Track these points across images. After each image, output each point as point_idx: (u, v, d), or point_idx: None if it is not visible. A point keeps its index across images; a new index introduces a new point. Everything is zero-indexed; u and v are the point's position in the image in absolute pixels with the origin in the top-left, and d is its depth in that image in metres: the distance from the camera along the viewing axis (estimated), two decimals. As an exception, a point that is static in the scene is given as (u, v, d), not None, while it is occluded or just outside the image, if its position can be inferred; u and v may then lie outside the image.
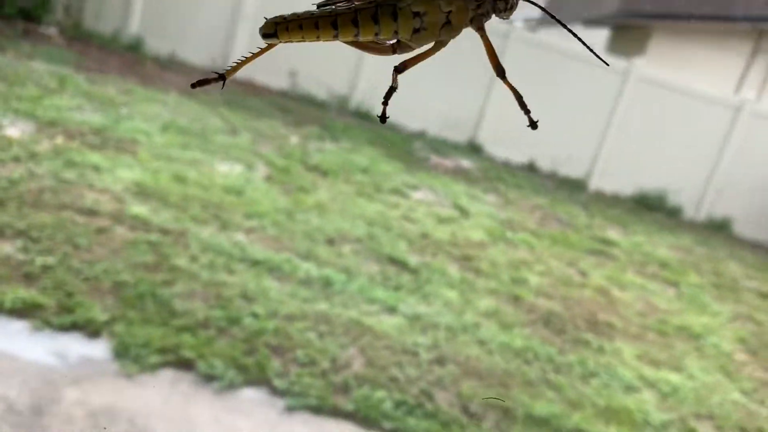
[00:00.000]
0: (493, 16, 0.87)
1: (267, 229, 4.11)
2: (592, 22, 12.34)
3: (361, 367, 3.01)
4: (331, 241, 4.26)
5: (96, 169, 4.24)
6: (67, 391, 2.44)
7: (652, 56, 10.07)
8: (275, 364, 2.87)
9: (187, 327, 2.94)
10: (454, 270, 4.35)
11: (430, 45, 0.86)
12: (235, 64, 0.91)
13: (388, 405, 2.80)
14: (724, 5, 10.40)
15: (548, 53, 8.34)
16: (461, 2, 0.82)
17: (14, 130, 4.53)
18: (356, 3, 0.82)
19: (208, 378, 2.69)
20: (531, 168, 8.30)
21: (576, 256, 5.45)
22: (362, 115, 8.26)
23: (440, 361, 3.24)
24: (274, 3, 8.14)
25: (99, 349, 2.70)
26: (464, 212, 5.63)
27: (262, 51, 0.91)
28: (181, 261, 3.42)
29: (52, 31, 7.46)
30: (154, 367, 2.66)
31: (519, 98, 0.87)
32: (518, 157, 8.29)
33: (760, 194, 8.46)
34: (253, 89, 8.25)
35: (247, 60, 0.91)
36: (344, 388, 2.84)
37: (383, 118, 0.97)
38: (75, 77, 6.16)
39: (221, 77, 0.90)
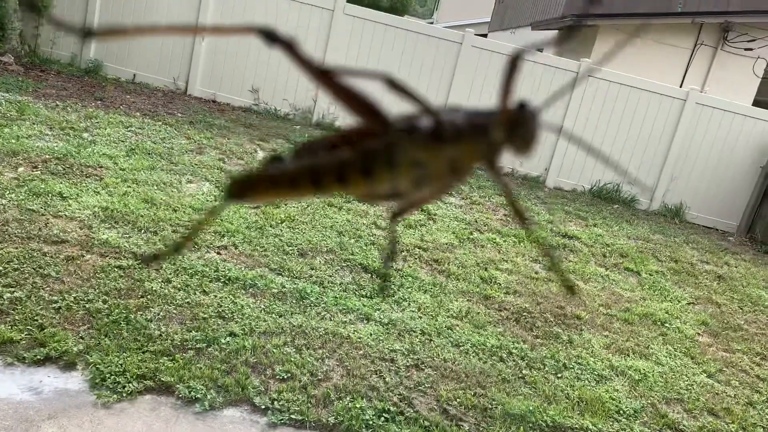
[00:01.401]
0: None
1: (239, 246, 4.13)
2: (540, 25, 12.62)
3: (341, 378, 3.05)
4: (303, 254, 4.29)
5: (61, 196, 4.20)
6: (44, 427, 2.39)
7: (599, 55, 10.35)
8: (255, 381, 2.87)
9: (164, 351, 2.92)
10: (424, 274, 4.43)
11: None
12: (186, 234, 0.75)
13: (369, 414, 2.84)
14: (664, 2, 10.74)
15: (500, 57, 8.50)
16: (470, 145, 0.66)
17: (-27, 163, 4.45)
18: (341, 151, 0.67)
19: (189, 401, 2.68)
20: (491, 169, 8.43)
21: (540, 251, 5.58)
22: (326, 126, 8.30)
23: (417, 366, 3.31)
24: (229, 21, 8.14)
25: (75, 381, 2.65)
26: (431, 216, 5.73)
27: (213, 213, 0.74)
28: (155, 284, 3.42)
29: (7, 58, 7.33)
30: (133, 395, 2.64)
31: (554, 263, 0.70)
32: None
33: (708, 180, 8.76)
34: (217, 107, 8.23)
35: (198, 227, 0.75)
36: (325, 401, 2.87)
37: (387, 264, 0.79)
38: (34, 105, 6.07)
39: (177, 249, 0.72)
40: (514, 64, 0.65)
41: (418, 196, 0.71)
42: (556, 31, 12.15)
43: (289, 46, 0.64)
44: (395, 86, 0.65)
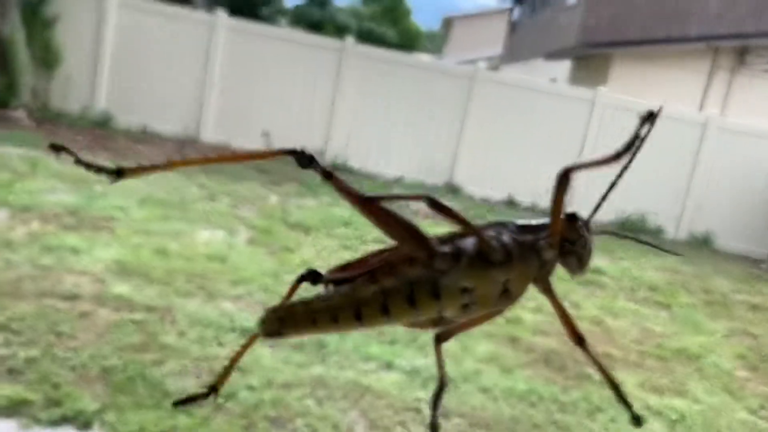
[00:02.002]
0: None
1: (254, 295, 4.05)
2: (554, 55, 12.61)
3: (364, 431, 2.93)
4: (320, 300, 4.19)
5: (74, 251, 4.16)
6: (63, 489, 2.33)
7: (614, 83, 10.29)
8: (276, 436, 2.78)
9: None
10: (447, 317, 4.30)
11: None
12: (222, 373, 0.76)
13: (396, 467, 2.71)
14: (678, 27, 10.71)
15: (514, 90, 8.47)
16: (522, 266, 0.64)
17: (-12, 220, 4.46)
18: (382, 279, 0.63)
19: (208, 459, 2.60)
20: (511, 203, 8.34)
21: (566, 288, 5.42)
22: (339, 168, 8.28)
23: (445, 415, 3.17)
24: (241, 67, 8.26)
25: (92, 440, 2.57)
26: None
27: (247, 347, 0.75)
28: (170, 338, 3.34)
29: (20, 114, 7.44)
30: (151, 453, 2.56)
31: (615, 387, 0.69)
32: (497, 194, 8.33)
33: (736, 206, 8.56)
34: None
35: (233, 361, 0.78)
36: (349, 454, 2.76)
37: (435, 426, 0.79)
38: (46, 159, 6.12)
39: (213, 389, 0.77)
40: (565, 178, 0.62)
41: (468, 320, 0.67)
42: (570, 61, 12.14)
43: (327, 173, 0.62)
44: (437, 205, 0.62)
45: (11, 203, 4.74)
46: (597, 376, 3.85)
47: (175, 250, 4.50)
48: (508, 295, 0.66)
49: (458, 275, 0.62)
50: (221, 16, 8.53)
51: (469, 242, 0.65)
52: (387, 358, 3.57)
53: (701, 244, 8.38)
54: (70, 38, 8.20)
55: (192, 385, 3.00)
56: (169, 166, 0.67)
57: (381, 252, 0.69)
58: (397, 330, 3.93)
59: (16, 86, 7.54)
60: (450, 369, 3.20)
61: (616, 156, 0.65)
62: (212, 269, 4.31)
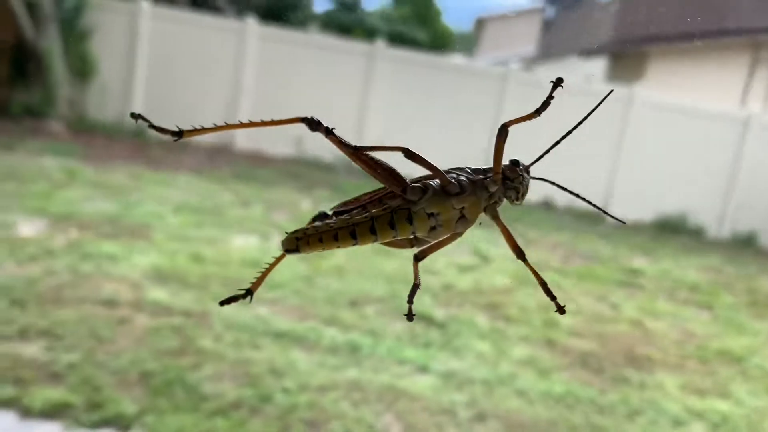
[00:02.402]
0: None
1: (288, 299, 4.07)
2: (589, 53, 12.44)
3: (400, 433, 2.91)
4: (353, 304, 4.20)
5: (112, 258, 4.24)
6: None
7: (651, 80, 10.11)
8: (312, 439, 2.78)
9: (218, 410, 2.87)
10: (482, 320, 4.26)
11: (448, 235, 0.87)
12: (257, 277, 0.93)
13: (432, 470, 2.69)
14: (717, 20, 10.47)
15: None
16: (473, 198, 0.84)
17: (29, 229, 4.57)
18: (371, 209, 0.85)
19: (245, 462, 2.62)
20: (547, 205, 8.24)
21: (605, 290, 5.34)
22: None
23: (480, 417, 3.14)
24: (272, 73, 8.34)
25: (132, 443, 2.63)
26: (485, 258, 5.56)
27: (278, 261, 0.92)
28: (206, 342, 3.38)
29: (57, 125, 7.63)
30: (189, 455, 2.60)
31: (543, 284, 0.89)
32: (533, 196, 8.20)
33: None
34: (262, 160, 8.34)
35: (268, 270, 0.93)
36: (385, 458, 2.75)
37: (410, 316, 0.98)
38: (83, 169, 6.26)
39: (248, 292, 0.93)
40: (504, 130, 0.86)
41: (436, 241, 0.88)
42: (605, 58, 11.96)
43: (328, 131, 0.84)
44: (412, 155, 0.83)
45: (50, 212, 4.85)
46: (636, 378, 3.78)
47: (211, 256, 4.56)
48: (465, 220, 0.85)
49: (425, 204, 0.83)
50: (251, 23, 8.62)
51: (435, 181, 0.85)
52: (421, 361, 3.55)
53: (745, 244, 8.16)
54: (105, 49, 8.38)
55: (228, 388, 3.03)
56: (218, 128, 0.85)
57: (372, 192, 0.89)
58: (432, 333, 3.91)
59: (53, 98, 7.74)
60: (486, 372, 3.18)
61: (536, 112, 0.91)
62: (247, 274, 4.32)
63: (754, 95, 10.55)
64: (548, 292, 0.88)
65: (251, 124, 0.87)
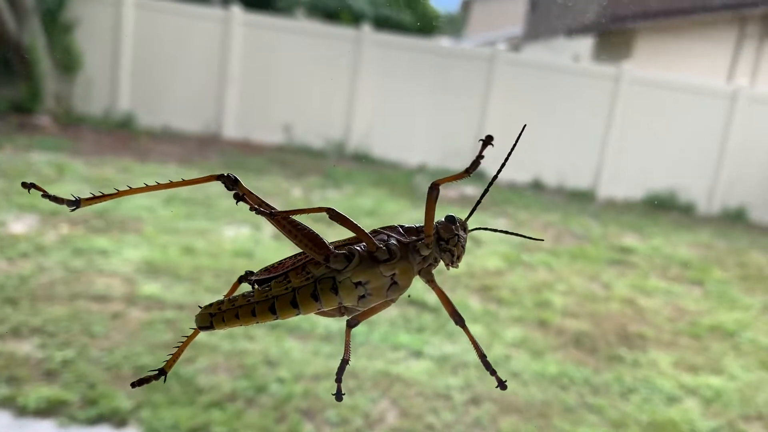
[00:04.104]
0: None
1: (281, 289, 4.07)
2: (576, 32, 12.40)
3: (396, 419, 2.93)
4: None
5: (103, 253, 4.23)
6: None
7: (639, 58, 10.09)
8: (308, 428, 2.80)
9: (214, 402, 2.88)
10: (475, 302, 4.28)
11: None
12: (170, 357, 0.87)
13: (428, 455, 2.72)
14: (703, -3, 10.45)
15: (535, 69, 8.36)
16: (404, 263, 0.78)
17: (19, 226, 4.54)
18: (294, 279, 0.78)
19: (242, 453, 2.64)
20: (537, 186, 8.26)
21: (596, 269, 5.37)
22: (361, 158, 8.28)
23: (475, 401, 3.16)
24: (258, 61, 8.28)
25: (128, 438, 2.63)
26: (476, 241, 5.57)
27: (191, 338, 0.87)
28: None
29: (45, 120, 7.57)
30: (186, 448, 2.59)
31: (482, 356, 0.83)
32: (523, 176, 8.25)
33: (771, 178, 8.38)
34: (251, 148, 8.31)
35: (181, 349, 0.88)
36: (381, 444, 2.77)
37: (339, 395, 0.90)
38: (72, 163, 6.22)
39: (161, 372, 0.86)
40: (434, 190, 0.77)
41: (368, 308, 0.81)
42: (592, 37, 11.92)
43: (239, 197, 0.78)
44: (337, 216, 0.77)
45: (41, 208, 4.82)
46: (629, 356, 3.81)
47: (202, 248, 4.55)
48: (397, 287, 0.79)
49: (351, 272, 0.77)
50: (236, 11, 8.54)
51: (361, 245, 0.79)
52: (416, 346, 3.57)
53: (735, 218, 8.21)
54: (89, 42, 8.29)
55: (223, 380, 3.04)
56: (115, 195, 0.80)
57: (296, 255, 0.83)
58: (425, 318, 3.93)
59: (39, 92, 7.67)
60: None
61: (467, 172, 0.78)
62: (239, 265, 4.35)
63: (741, 70, 10.56)
64: (487, 365, 0.83)
65: (159, 186, 0.80)
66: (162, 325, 3.44)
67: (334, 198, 6.30)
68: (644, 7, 10.22)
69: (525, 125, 0.84)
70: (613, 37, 11.45)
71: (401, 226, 0.83)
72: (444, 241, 0.80)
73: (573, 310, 4.41)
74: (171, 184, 0.78)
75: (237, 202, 0.78)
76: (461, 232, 0.82)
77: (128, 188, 0.80)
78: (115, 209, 5.08)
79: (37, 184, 0.80)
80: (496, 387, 0.83)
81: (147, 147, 7.45)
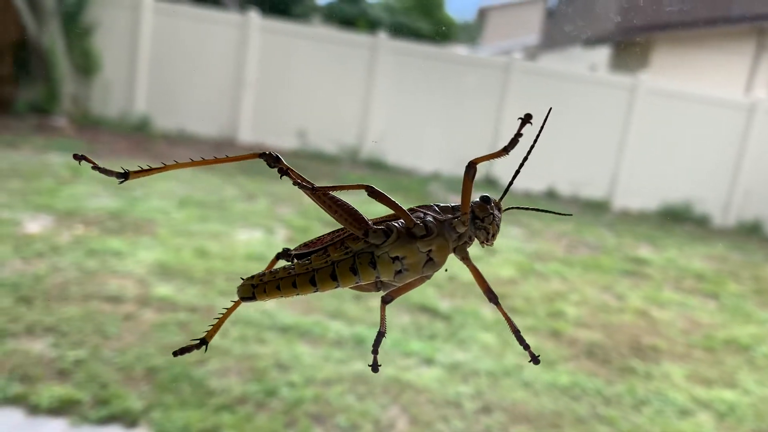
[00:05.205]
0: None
1: (293, 293, 4.07)
2: (593, 41, 12.36)
3: (406, 426, 2.92)
4: (358, 297, 4.20)
5: (117, 254, 4.26)
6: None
7: (656, 68, 10.04)
8: (317, 432, 2.79)
9: (224, 405, 2.88)
10: (487, 311, 4.26)
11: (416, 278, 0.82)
12: (212, 327, 0.90)
13: (438, 463, 2.70)
14: (721, 7, 10.38)
15: (551, 79, 8.34)
16: (441, 240, 0.80)
17: (35, 225, 4.58)
18: (333, 253, 0.81)
19: (252, 456, 2.63)
20: (551, 195, 8.22)
21: (610, 279, 5.33)
22: (374, 164, 8.28)
23: (486, 409, 3.14)
24: (274, 66, 8.31)
25: (138, 439, 2.64)
26: (490, 250, 5.55)
27: (232, 309, 0.89)
28: (214, 339, 3.39)
29: (62, 122, 7.64)
30: (196, 450, 2.60)
31: (515, 331, 0.83)
32: (537, 185, 8.22)
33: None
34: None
35: (223, 318, 0.90)
36: (391, 450, 2.76)
37: (375, 366, 0.93)
38: (88, 165, 6.26)
39: (203, 341, 0.90)
40: (471, 168, 0.79)
41: (403, 284, 0.82)
42: (609, 47, 11.88)
43: (284, 171, 0.79)
44: (375, 193, 0.79)
45: (56, 209, 4.87)
46: (642, 368, 3.78)
47: (215, 251, 4.56)
48: (432, 263, 0.81)
49: (389, 247, 0.78)
50: (253, 16, 8.60)
51: (399, 222, 0.81)
52: (427, 353, 3.56)
53: (751, 231, 8.13)
54: (107, 45, 8.38)
55: (234, 383, 3.04)
56: (162, 168, 0.83)
57: (334, 232, 0.85)
58: (437, 325, 3.92)
59: (57, 94, 7.75)
60: (491, 363, 3.17)
61: (505, 150, 0.82)
62: (252, 268, 4.34)
63: (759, 82, 10.48)
64: (521, 340, 0.84)
65: (203, 162, 0.83)
66: (174, 326, 3.45)
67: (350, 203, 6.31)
68: (662, 17, 10.17)
69: (551, 108, 0.87)
70: (630, 48, 11.40)
71: (437, 205, 0.84)
72: (479, 219, 0.83)
73: (586, 320, 4.38)
74: (216, 160, 0.82)
75: (281, 177, 0.79)
76: (496, 212, 0.84)
77: (174, 162, 0.83)
78: (129, 211, 5.11)
79: (87, 156, 0.83)
80: (529, 362, 0.84)
81: (162, 150, 7.50)
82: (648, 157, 8.36)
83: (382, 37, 8.64)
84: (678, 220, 8.12)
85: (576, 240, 6.42)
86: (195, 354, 3.11)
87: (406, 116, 8.61)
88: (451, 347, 3.69)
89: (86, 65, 8.16)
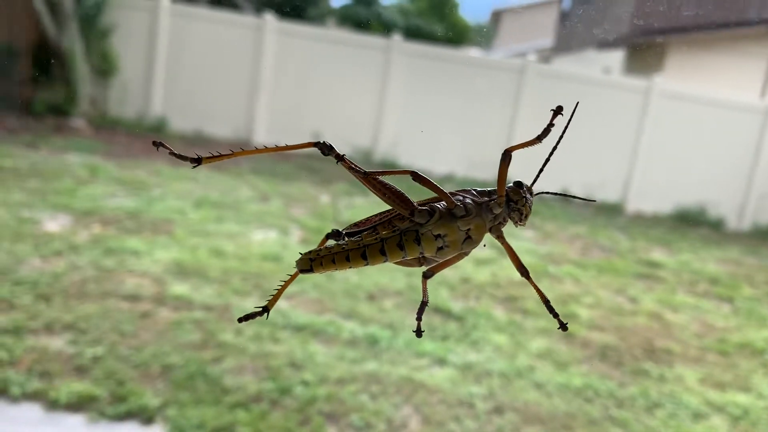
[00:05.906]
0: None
1: (308, 293, 4.11)
2: (607, 44, 12.32)
3: (418, 425, 2.94)
4: (372, 297, 4.23)
5: (134, 253, 4.31)
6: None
7: (671, 71, 9.99)
8: (331, 431, 2.82)
9: (239, 403, 2.91)
10: (500, 312, 4.27)
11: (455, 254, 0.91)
12: (274, 294, 0.98)
13: (450, 462, 2.72)
14: (737, 10, 10.30)
15: (565, 81, 8.33)
16: (478, 220, 0.89)
17: (53, 224, 4.65)
18: (381, 231, 0.91)
19: (266, 453, 2.66)
20: (565, 198, 8.21)
21: (623, 282, 5.32)
22: (388, 166, 8.30)
23: (498, 410, 3.15)
24: (290, 68, 8.35)
25: (154, 436, 2.67)
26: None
27: (292, 279, 0.97)
28: (227, 336, 3.43)
29: (80, 123, 7.74)
30: (211, 447, 2.62)
31: (545, 301, 0.93)
32: (550, 187, 8.15)
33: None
34: (280, 155, 8.37)
35: (283, 288, 0.98)
36: (404, 449, 2.78)
37: (419, 332, 1.00)
38: (106, 165, 6.35)
39: (265, 309, 0.97)
40: (507, 156, 0.87)
41: (443, 259, 0.91)
42: (623, 50, 11.83)
43: (340, 157, 0.88)
44: (420, 178, 0.87)
45: (74, 208, 4.93)
46: (656, 371, 3.78)
47: (231, 251, 4.61)
48: (471, 240, 0.89)
49: (432, 226, 0.87)
50: (269, 19, 8.66)
51: (441, 203, 0.90)
52: (439, 353, 3.57)
53: (765, 235, 8.07)
54: (125, 47, 8.47)
55: (249, 381, 3.07)
56: (232, 155, 0.90)
57: (382, 213, 0.95)
58: (450, 326, 3.93)
59: (75, 96, 7.84)
60: (504, 364, 3.19)
61: (538, 139, 0.91)
62: (267, 268, 4.39)
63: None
64: (551, 309, 0.93)
65: (266, 150, 0.91)
66: (190, 325, 3.49)
67: (361, 205, 6.34)
68: (676, 20, 10.12)
69: (578, 103, 0.96)
70: (645, 51, 11.35)
71: (475, 189, 0.93)
72: (513, 202, 0.90)
73: (599, 323, 4.38)
74: (276, 148, 0.89)
75: (337, 162, 0.88)
76: (528, 195, 0.92)
77: (241, 150, 0.90)
78: (147, 211, 5.17)
79: (164, 142, 0.91)
80: (558, 329, 0.93)
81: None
82: (662, 160, 8.33)
83: (396, 39, 8.68)
84: (692, 223, 8.08)
85: (589, 242, 6.41)
86: (210, 352, 3.16)
87: (420, 118, 8.63)
88: (463, 348, 3.71)
89: (104, 67, 8.25)
